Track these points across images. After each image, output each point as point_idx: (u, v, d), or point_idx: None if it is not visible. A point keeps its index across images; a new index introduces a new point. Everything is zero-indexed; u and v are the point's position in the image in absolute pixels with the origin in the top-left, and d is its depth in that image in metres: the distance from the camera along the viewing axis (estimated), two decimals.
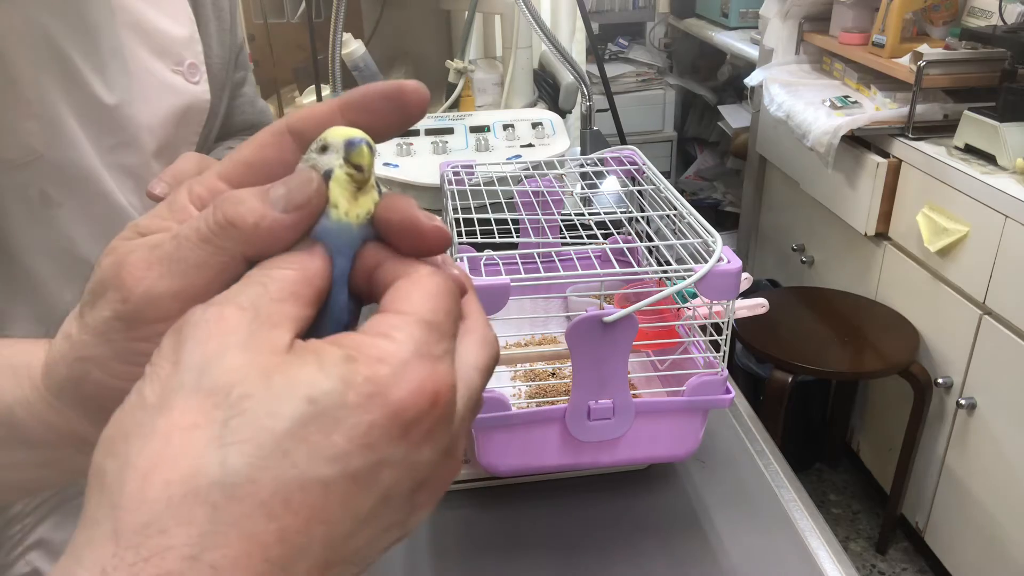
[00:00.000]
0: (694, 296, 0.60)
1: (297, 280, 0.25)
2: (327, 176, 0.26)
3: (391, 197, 0.27)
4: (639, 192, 0.71)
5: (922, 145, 1.66)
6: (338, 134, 0.27)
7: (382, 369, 0.23)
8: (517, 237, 0.72)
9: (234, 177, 0.29)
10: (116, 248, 0.27)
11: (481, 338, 0.27)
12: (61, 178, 0.57)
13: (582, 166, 0.77)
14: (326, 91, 1.50)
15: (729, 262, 0.54)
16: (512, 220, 0.68)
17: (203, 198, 0.28)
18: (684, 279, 0.53)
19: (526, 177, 0.76)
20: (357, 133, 0.27)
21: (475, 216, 0.65)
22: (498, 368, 0.62)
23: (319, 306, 0.26)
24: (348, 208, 0.26)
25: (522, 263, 0.57)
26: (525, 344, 0.76)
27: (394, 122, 0.29)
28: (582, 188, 0.66)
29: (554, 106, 1.65)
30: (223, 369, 0.22)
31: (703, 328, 0.63)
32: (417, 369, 0.23)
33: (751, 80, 2.22)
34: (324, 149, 0.27)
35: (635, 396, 0.59)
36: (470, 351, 0.27)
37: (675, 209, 0.65)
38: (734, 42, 2.69)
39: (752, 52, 2.44)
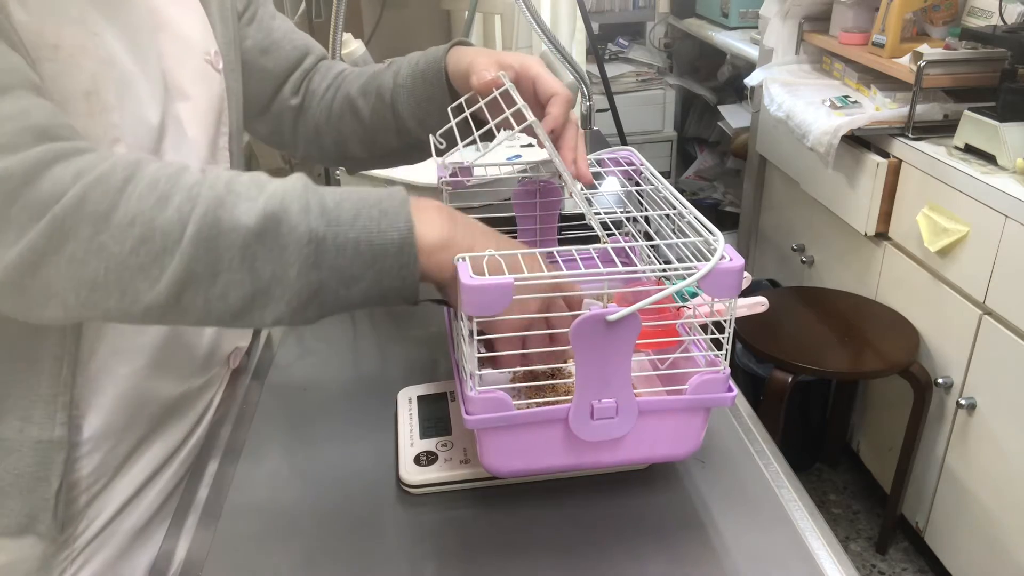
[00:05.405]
0: (694, 295, 0.60)
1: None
2: None
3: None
4: (639, 192, 0.71)
5: (922, 145, 1.66)
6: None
7: None
8: (517, 237, 0.72)
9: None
10: None
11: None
12: None
13: None
14: None
15: (731, 260, 0.54)
16: (512, 220, 0.68)
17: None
18: (686, 278, 0.53)
19: (526, 177, 0.76)
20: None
21: (475, 216, 0.64)
22: (498, 368, 0.62)
23: None
24: None
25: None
26: None
27: None
28: (582, 188, 0.66)
29: None
30: None
31: (704, 327, 0.63)
32: None
33: (751, 80, 2.22)
34: None
35: (636, 395, 0.59)
36: None
37: (675, 209, 0.65)
38: (734, 42, 2.69)
39: (752, 52, 2.44)
